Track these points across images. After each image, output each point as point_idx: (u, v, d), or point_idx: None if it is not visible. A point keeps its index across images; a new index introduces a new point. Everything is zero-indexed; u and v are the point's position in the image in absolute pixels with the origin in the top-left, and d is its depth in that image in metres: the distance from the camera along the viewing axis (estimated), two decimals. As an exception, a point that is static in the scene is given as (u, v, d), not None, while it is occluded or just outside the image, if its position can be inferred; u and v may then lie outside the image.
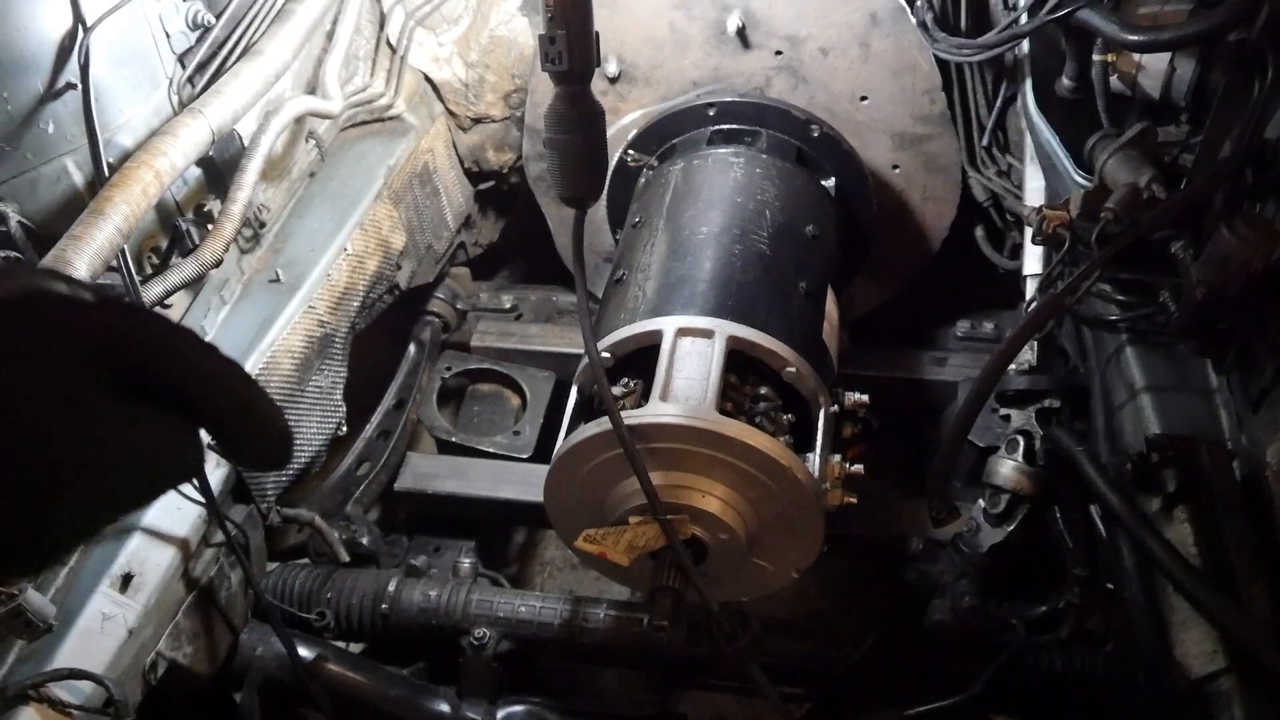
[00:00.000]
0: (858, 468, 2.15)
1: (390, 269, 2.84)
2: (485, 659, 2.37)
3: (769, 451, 1.97)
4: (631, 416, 1.98)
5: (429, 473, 2.91)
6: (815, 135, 2.69)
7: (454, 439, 3.04)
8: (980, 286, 3.10)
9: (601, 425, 2.00)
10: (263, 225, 2.49)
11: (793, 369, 2.12)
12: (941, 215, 2.93)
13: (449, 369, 3.23)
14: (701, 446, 1.98)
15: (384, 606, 2.45)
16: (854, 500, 2.17)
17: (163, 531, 2.04)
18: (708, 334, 2.10)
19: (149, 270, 2.16)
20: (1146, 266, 2.10)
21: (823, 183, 2.69)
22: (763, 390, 2.13)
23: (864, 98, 2.77)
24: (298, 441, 2.45)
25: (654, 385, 2.03)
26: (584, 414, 2.24)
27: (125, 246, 1.86)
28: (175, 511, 2.08)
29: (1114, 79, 2.15)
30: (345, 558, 2.48)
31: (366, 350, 2.87)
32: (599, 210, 2.97)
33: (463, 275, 3.46)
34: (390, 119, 2.94)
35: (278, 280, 2.47)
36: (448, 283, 3.36)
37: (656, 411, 1.99)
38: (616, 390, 2.11)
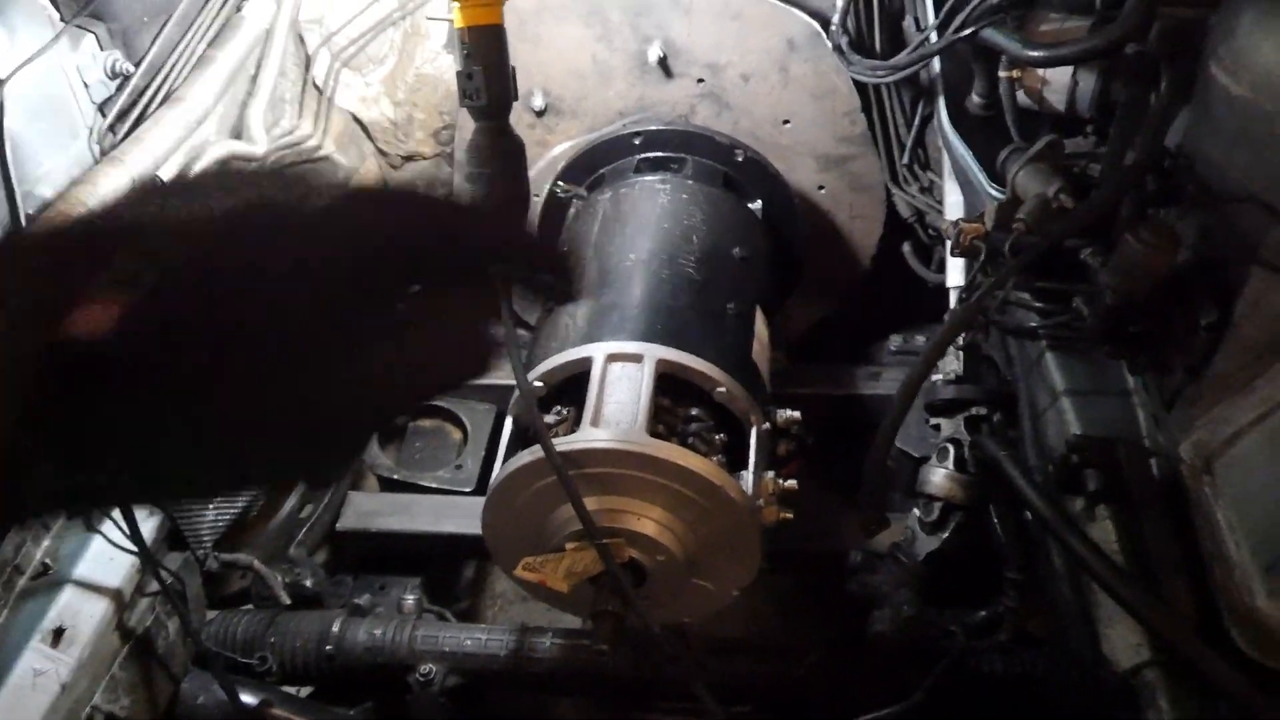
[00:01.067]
0: (791, 483, 2.18)
1: (326, 309, 2.83)
2: (432, 695, 2.36)
3: (701, 471, 1.99)
4: (564, 443, 1.99)
5: (372, 510, 2.91)
6: (740, 160, 2.74)
7: (396, 476, 3.04)
8: (911, 301, 3.15)
9: (534, 453, 2.01)
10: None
11: (723, 389, 2.15)
12: (869, 233, 2.99)
13: (390, 407, 3.22)
14: (634, 469, 2.00)
15: (329, 648, 2.43)
16: (790, 515, 2.20)
17: (95, 582, 2.03)
18: (637, 358, 2.12)
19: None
20: (1061, 274, 2.15)
21: (750, 206, 2.73)
22: (694, 411, 2.16)
23: (786, 121, 2.82)
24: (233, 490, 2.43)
25: (584, 411, 2.05)
26: (519, 444, 2.25)
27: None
28: (107, 562, 2.06)
29: (1021, 94, 2.21)
30: (287, 601, 2.46)
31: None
32: (532, 242, 2.99)
33: (400, 312, 3.45)
34: (320, 159, 2.94)
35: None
36: (386, 321, 3.35)
37: (588, 437, 2.00)
38: (549, 419, 2.13)
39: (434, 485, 2.98)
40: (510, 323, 1.98)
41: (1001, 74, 2.19)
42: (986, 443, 2.11)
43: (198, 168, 2.29)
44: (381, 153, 3.16)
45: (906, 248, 2.98)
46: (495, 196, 1.99)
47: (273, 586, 2.44)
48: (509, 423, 2.26)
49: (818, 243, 2.95)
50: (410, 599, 2.62)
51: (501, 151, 1.96)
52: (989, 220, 2.17)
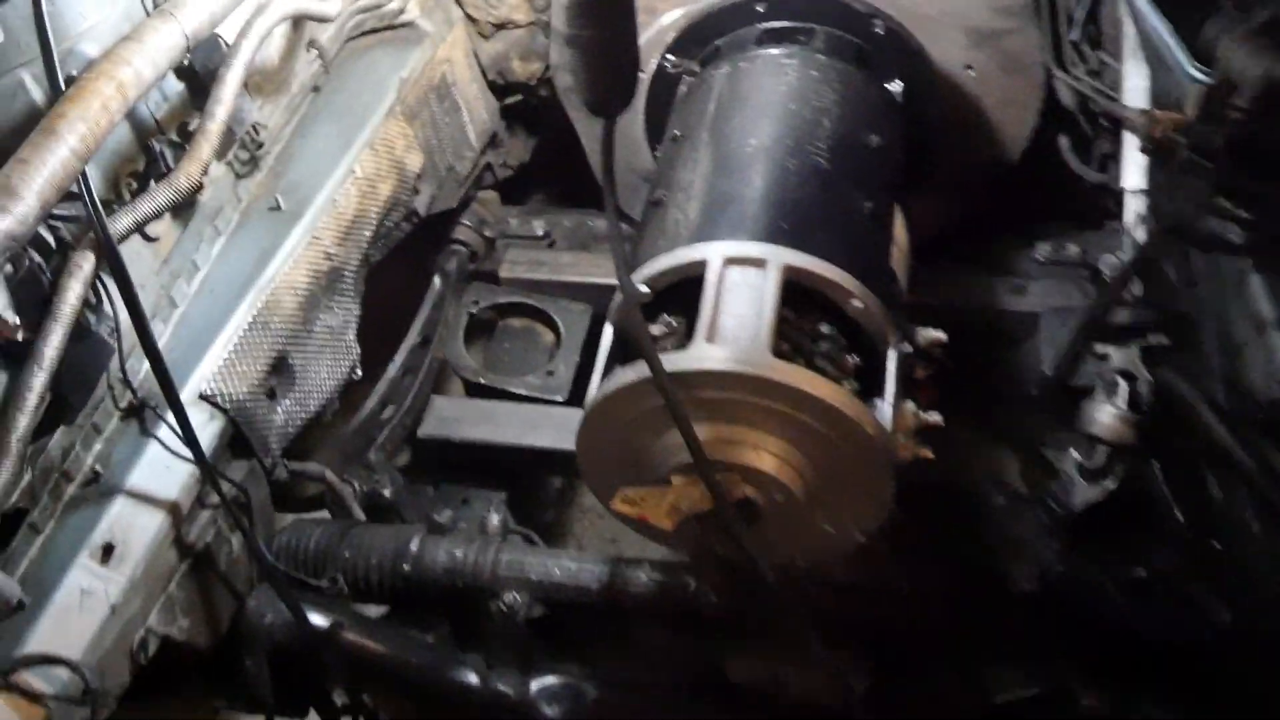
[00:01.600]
0: (934, 416, 1.88)
1: (406, 193, 2.57)
2: (516, 625, 2.16)
3: (834, 401, 1.70)
4: (673, 361, 1.71)
5: (455, 417, 2.68)
6: (879, 32, 2.37)
7: (482, 380, 2.79)
8: (1063, 203, 2.76)
9: (638, 371, 1.74)
10: (260, 146, 2.23)
11: (858, 302, 1.84)
12: (1021, 122, 2.59)
13: (476, 302, 2.96)
14: (754, 395, 1.72)
15: (405, 566, 2.23)
16: (929, 454, 1.90)
17: (149, 494, 1.83)
18: (759, 263, 1.82)
19: (128, 198, 1.90)
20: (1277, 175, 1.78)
21: (887, 86, 2.37)
22: (823, 328, 1.86)
23: (936, -14, 2.42)
24: (306, 387, 2.22)
25: (698, 323, 1.76)
26: (620, 355, 1.99)
27: (87, 171, 1.61)
28: (164, 471, 1.86)
29: (1242, -49, 1.80)
30: (360, 516, 2.26)
31: (388, 282, 2.62)
32: (636, 125, 2.68)
33: (490, 199, 3.18)
34: (402, 26, 2.65)
35: (278, 208, 2.22)
36: (474, 208, 3.09)
37: (702, 355, 1.72)
38: (655, 329, 1.85)
39: (523, 392, 2.73)
40: (614, 213, 1.68)
41: (1221, -74, 1.79)
42: (1177, 381, 1.78)
43: (262, 25, 2.00)
44: (470, 19, 2.84)
45: (1064, 140, 2.58)
46: (599, 65, 1.67)
47: (345, 499, 2.24)
48: (608, 330, 1.99)
49: (959, 131, 2.58)
50: (495, 518, 2.41)
51: (606, 7, 1.63)
52: (1191, 109, 1.80)
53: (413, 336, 2.83)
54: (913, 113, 2.39)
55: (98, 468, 1.81)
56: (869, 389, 1.85)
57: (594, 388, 1.89)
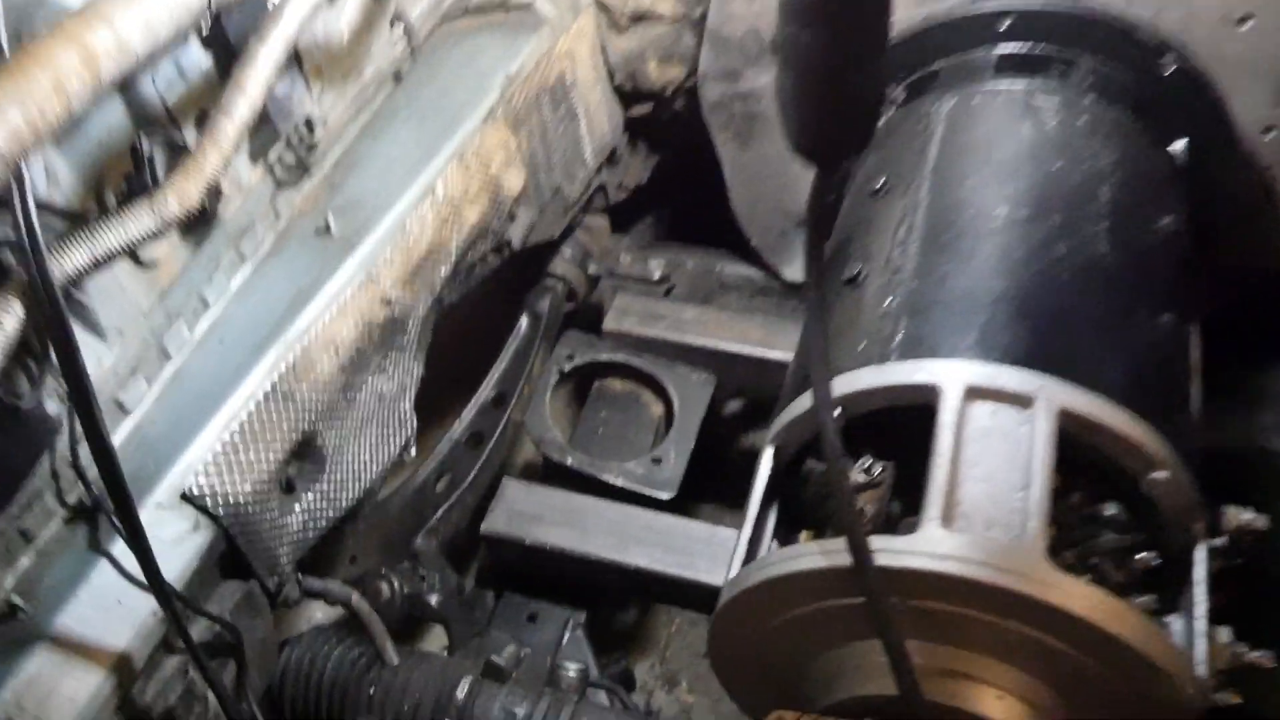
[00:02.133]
0: (1262, 655, 1.24)
1: (500, 221, 1.99)
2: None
3: (1138, 646, 1.08)
4: (889, 550, 1.10)
5: (531, 512, 2.08)
6: (1166, 72, 1.73)
7: (569, 461, 2.20)
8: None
9: (830, 557, 1.13)
10: (312, 149, 1.66)
11: (1164, 473, 1.21)
12: (1323, 205, 1.94)
13: (570, 356, 2.38)
14: (1007, 617, 1.10)
15: (448, 720, 1.66)
16: (1239, 700, 1.27)
17: (86, 642, 1.26)
18: (1024, 401, 1.21)
19: (115, 210, 1.34)
20: None
21: (1168, 148, 1.73)
22: (1108, 510, 1.23)
23: (1245, 18, 1.77)
24: (338, 477, 1.64)
25: (928, 490, 1.15)
26: (777, 494, 1.39)
27: (24, 178, 1.04)
28: (112, 606, 1.29)
29: None
30: (394, 660, 1.68)
31: (458, 313, 2.05)
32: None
33: (599, 227, 2.61)
34: (517, 6, 2.07)
35: (327, 231, 1.66)
36: (577, 235, 2.52)
37: (937, 547, 1.11)
38: (854, 477, 1.24)
39: (619, 483, 2.14)
40: (818, 302, 1.09)
41: None
42: None
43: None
44: (602, 6, 2.26)
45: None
46: (825, 92, 1.07)
47: (377, 639, 1.66)
48: (767, 455, 1.39)
49: (1239, 212, 1.92)
50: (573, 669, 1.80)
51: (850, 4, 1.03)
52: None
53: (486, 391, 2.31)
54: (1197, 185, 1.75)
55: (14, 599, 1.24)
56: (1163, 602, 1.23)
57: (741, 551, 1.29)
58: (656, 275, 2.54)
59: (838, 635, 1.20)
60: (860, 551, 1.07)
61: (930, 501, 1.13)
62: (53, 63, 1.05)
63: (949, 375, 1.23)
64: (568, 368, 2.38)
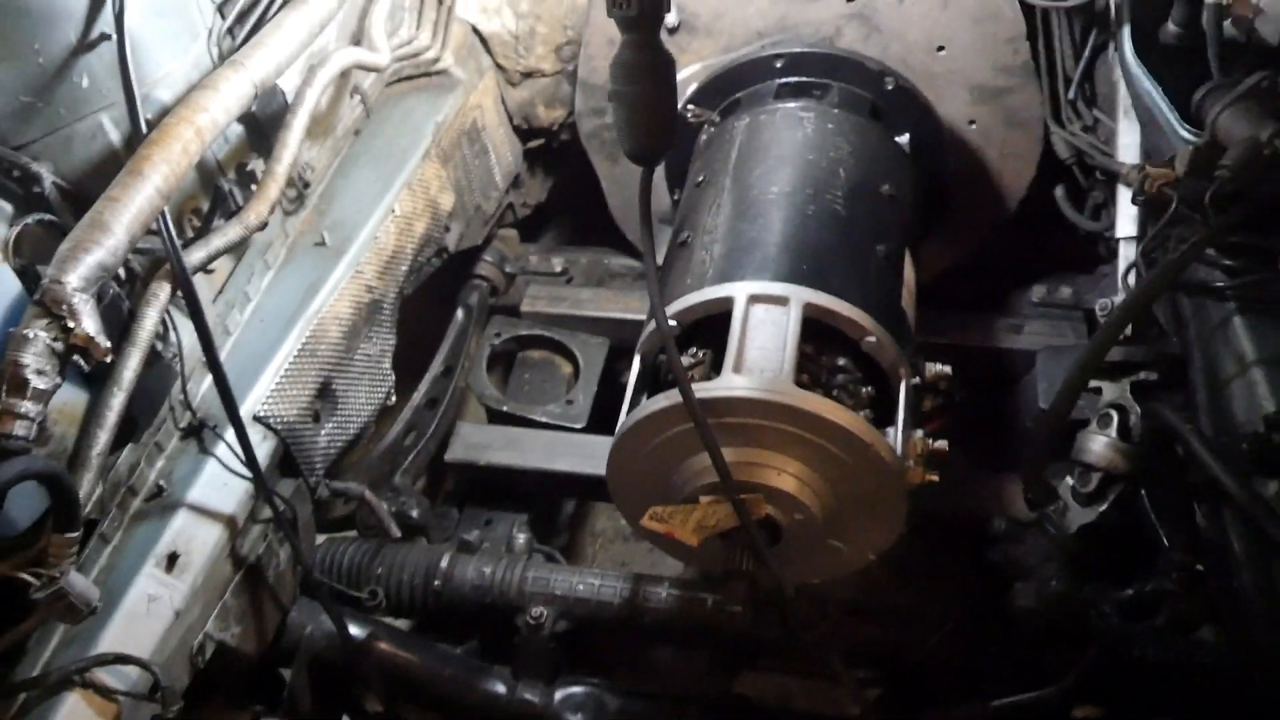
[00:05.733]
0: (941, 444, 2.01)
1: (438, 231, 2.71)
2: (542, 639, 2.27)
3: (851, 427, 1.84)
4: (702, 389, 1.85)
5: (481, 443, 2.81)
6: (889, 88, 2.53)
7: (505, 408, 2.93)
8: (1057, 249, 2.93)
9: (670, 398, 1.88)
10: (307, 186, 2.37)
11: (872, 338, 1.98)
12: (1020, 174, 2.76)
13: (498, 335, 3.11)
14: (777, 421, 1.86)
15: (436, 583, 2.36)
16: (935, 478, 2.03)
17: (209, 508, 1.95)
18: (782, 301, 1.96)
19: (190, 233, 2.04)
20: (1260, 229, 1.94)
21: (896, 139, 2.53)
22: (840, 361, 2.00)
23: (941, 48, 2.59)
24: (347, 411, 2.34)
25: (726, 355, 1.90)
26: (647, 385, 2.12)
27: (166, 208, 1.74)
28: (221, 487, 1.98)
29: (1227, 24, 1.97)
30: (397, 533, 2.38)
31: (412, 315, 2.76)
32: (656, 169, 2.82)
33: (510, 237, 3.33)
34: (437, 73, 2.80)
35: (323, 244, 2.35)
36: (495, 245, 3.23)
37: (730, 384, 1.86)
38: (684, 360, 1.99)
39: (544, 420, 2.87)
40: (651, 255, 1.83)
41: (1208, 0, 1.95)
42: (1164, 412, 1.92)
43: (324, 76, 2.15)
44: (500, 68, 3.00)
45: (1060, 191, 2.75)
46: (642, 119, 1.82)
47: (383, 518, 2.36)
48: (636, 361, 2.13)
49: (963, 181, 2.74)
50: (521, 538, 2.53)
51: (652, 66, 1.78)
52: (1181, 165, 1.96)
53: (436, 367, 2.95)
54: (921, 164, 2.55)
55: (161, 483, 1.93)
56: (882, 418, 1.99)
57: (625, 413, 2.02)
58: (559, 269, 3.26)
59: (682, 451, 1.93)
60: (686, 390, 1.81)
61: (727, 362, 1.88)
62: (179, 136, 1.76)
63: (739, 290, 1.98)
64: (497, 343, 3.10)
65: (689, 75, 2.75)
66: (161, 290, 1.80)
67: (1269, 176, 1.77)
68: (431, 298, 3.01)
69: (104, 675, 1.70)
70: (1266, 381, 1.86)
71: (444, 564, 2.40)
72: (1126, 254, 2.30)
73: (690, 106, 2.66)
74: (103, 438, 1.71)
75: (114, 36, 1.79)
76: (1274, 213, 1.87)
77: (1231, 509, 1.77)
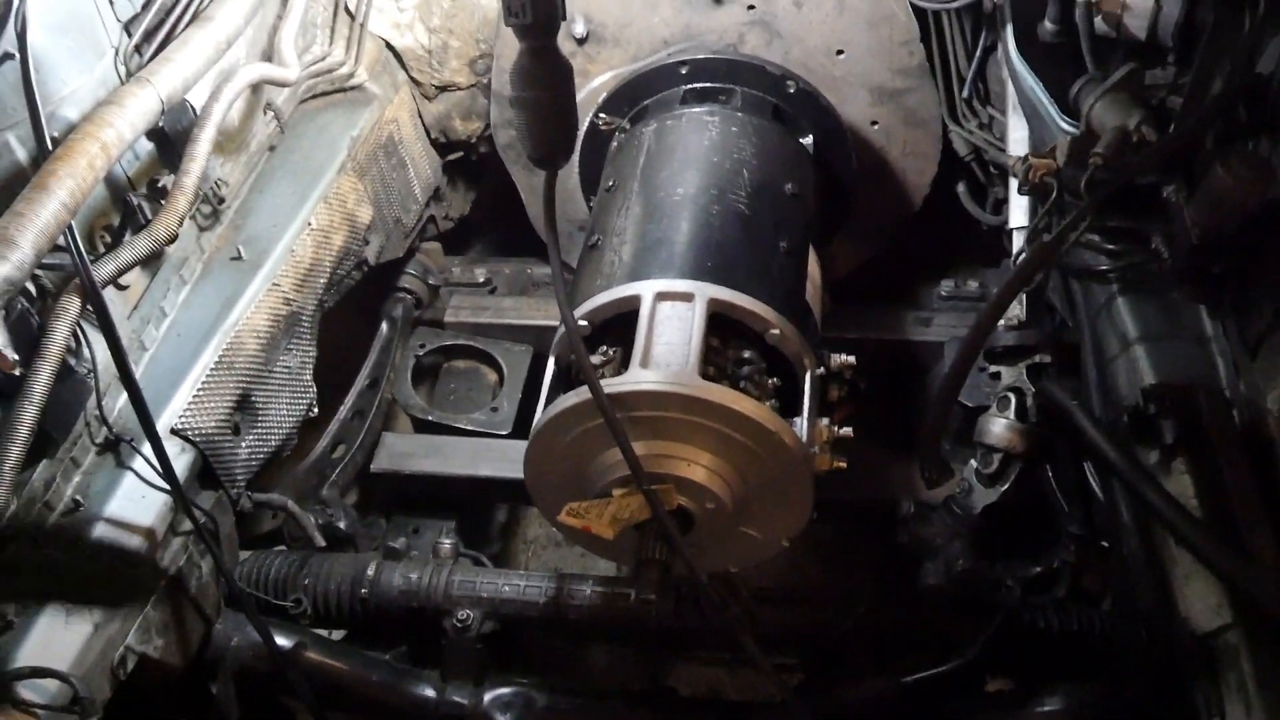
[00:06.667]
0: (846, 431, 2.09)
1: (357, 244, 2.74)
2: (469, 641, 2.31)
3: (755, 416, 1.90)
4: (611, 385, 1.90)
5: (406, 452, 2.84)
6: (791, 91, 2.62)
7: (430, 417, 2.96)
8: (963, 244, 3.04)
9: (580, 395, 1.92)
10: (222, 201, 2.39)
11: (776, 331, 2.05)
12: (922, 171, 2.86)
13: (422, 346, 3.14)
14: (685, 413, 1.91)
15: (363, 590, 2.38)
16: (843, 464, 2.11)
17: (127, 521, 1.96)
18: (687, 297, 2.02)
19: (102, 250, 2.05)
20: (1136, 213, 2.04)
21: (801, 140, 2.61)
22: (746, 354, 2.06)
23: (840, 51, 2.68)
24: (267, 423, 2.36)
25: (633, 352, 1.96)
26: (563, 385, 2.17)
27: (73, 223, 1.76)
28: (139, 500, 1.99)
29: (1099, 20, 2.07)
30: (321, 543, 2.40)
31: (337, 329, 2.78)
32: (571, 178, 2.88)
33: (434, 250, 3.36)
34: (352, 89, 2.84)
35: (239, 258, 2.38)
36: (418, 258, 3.27)
37: (637, 378, 1.91)
38: (595, 359, 2.04)
39: (469, 427, 2.91)
40: (557, 256, 1.88)
41: (1079, -2, 2.06)
42: (1054, 391, 2.02)
43: (230, 91, 2.18)
44: (415, 82, 3.04)
45: (961, 187, 2.85)
46: (543, 123, 1.87)
47: (307, 528, 2.38)
48: (551, 363, 2.18)
49: (867, 180, 2.83)
50: (446, 543, 2.56)
51: (549, 74, 1.84)
52: (1061, 155, 2.06)
53: (362, 379, 2.98)
54: (825, 163, 2.64)
55: (78, 498, 1.94)
56: (789, 408, 2.06)
57: (540, 411, 2.07)
58: (482, 279, 3.31)
59: (595, 447, 1.98)
60: (594, 386, 1.86)
61: (634, 357, 1.94)
62: (84, 151, 1.78)
63: (646, 289, 2.04)
64: (421, 353, 3.13)
65: (600, 84, 2.82)
66: (71, 304, 1.81)
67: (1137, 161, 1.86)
68: (356, 312, 3.04)
69: (22, 689, 1.71)
70: (1147, 358, 1.96)
71: (370, 571, 2.42)
72: (1018, 243, 2.39)
73: (601, 115, 2.72)
74: (14, 452, 1.72)
75: (17, 56, 1.81)
76: (1147, 197, 1.97)
77: (1118, 480, 1.86)
